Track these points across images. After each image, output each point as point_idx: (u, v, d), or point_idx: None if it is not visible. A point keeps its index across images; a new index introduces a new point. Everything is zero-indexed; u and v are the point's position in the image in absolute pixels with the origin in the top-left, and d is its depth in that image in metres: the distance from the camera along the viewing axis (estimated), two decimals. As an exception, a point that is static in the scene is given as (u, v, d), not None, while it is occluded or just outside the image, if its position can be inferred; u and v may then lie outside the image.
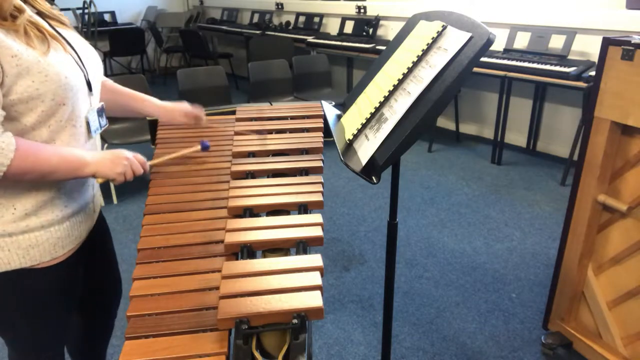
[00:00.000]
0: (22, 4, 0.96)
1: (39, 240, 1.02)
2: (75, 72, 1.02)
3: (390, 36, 4.87)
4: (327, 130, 1.46)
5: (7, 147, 0.88)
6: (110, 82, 1.32)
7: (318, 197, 1.19)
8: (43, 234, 1.03)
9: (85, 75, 1.06)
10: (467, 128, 4.60)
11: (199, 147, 1.35)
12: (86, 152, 1.04)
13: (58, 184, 1.03)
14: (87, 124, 1.08)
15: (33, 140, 0.97)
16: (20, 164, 0.90)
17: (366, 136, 1.17)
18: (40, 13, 1.03)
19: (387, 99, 1.19)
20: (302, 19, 5.67)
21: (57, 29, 1.04)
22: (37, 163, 0.93)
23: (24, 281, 1.05)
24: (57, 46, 0.99)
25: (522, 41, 3.67)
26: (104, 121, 1.17)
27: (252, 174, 1.33)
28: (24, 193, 0.99)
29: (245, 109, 1.67)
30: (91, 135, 1.11)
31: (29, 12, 0.97)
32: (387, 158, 1.06)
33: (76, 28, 6.43)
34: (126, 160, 1.09)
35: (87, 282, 1.31)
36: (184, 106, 1.37)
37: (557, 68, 3.23)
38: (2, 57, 0.87)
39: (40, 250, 1.03)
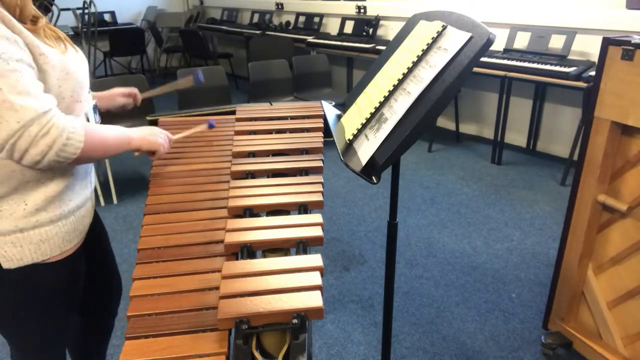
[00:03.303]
0: (38, 12, 1.02)
1: (49, 234, 1.04)
2: (84, 69, 1.08)
3: (390, 36, 4.87)
4: (327, 130, 1.46)
5: (79, 127, 0.94)
6: None
7: (318, 197, 1.19)
8: (52, 228, 1.05)
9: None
10: (467, 128, 4.60)
11: (205, 126, 1.46)
12: (128, 129, 1.13)
13: (64, 178, 1.06)
14: (87, 119, 1.14)
15: None
16: (90, 142, 0.97)
17: (366, 136, 1.18)
18: None
19: (387, 99, 1.19)
20: (302, 19, 5.67)
21: None
22: (101, 141, 1.01)
23: (35, 276, 1.06)
24: (70, 46, 1.05)
25: (522, 41, 3.67)
26: (97, 118, 1.23)
27: (252, 174, 1.33)
28: (34, 188, 1.01)
29: (245, 109, 1.67)
30: None
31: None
32: (387, 158, 1.06)
33: (76, 28, 6.40)
34: (162, 134, 1.20)
35: (87, 280, 1.31)
36: (118, 89, 1.43)
37: (557, 68, 3.23)
38: (34, 55, 0.92)
39: (50, 244, 1.05)
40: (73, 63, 1.01)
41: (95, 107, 1.20)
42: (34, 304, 1.09)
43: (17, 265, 1.03)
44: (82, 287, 1.22)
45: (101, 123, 1.23)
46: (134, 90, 1.45)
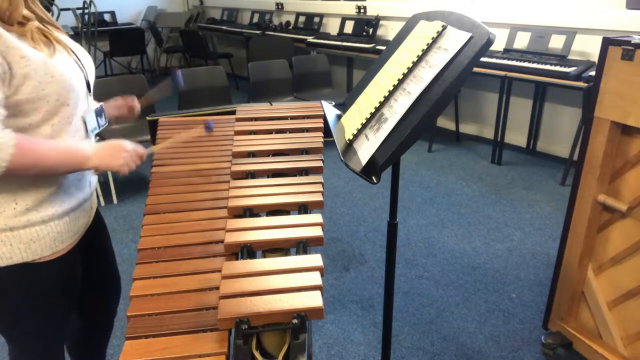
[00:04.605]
0: (30, 13, 1.01)
1: (39, 234, 1.04)
2: (77, 73, 1.06)
3: (390, 36, 4.87)
4: (327, 130, 1.46)
5: (6, 142, 0.90)
6: None
7: (318, 197, 1.19)
8: (44, 228, 1.05)
9: (85, 76, 1.11)
10: (467, 128, 4.60)
11: (202, 130, 1.31)
12: (87, 146, 1.07)
13: (57, 180, 1.06)
14: (84, 123, 1.11)
15: (36, 137, 0.99)
16: (20, 159, 0.92)
17: (366, 136, 1.17)
18: (38, 19, 1.06)
19: (387, 99, 1.19)
20: (302, 19, 5.67)
21: (56, 33, 1.07)
22: (37, 158, 0.96)
23: (25, 275, 1.06)
24: (61, 49, 1.03)
25: (522, 41, 3.67)
26: (102, 121, 1.20)
27: (252, 174, 1.33)
28: (25, 188, 1.01)
29: (245, 109, 1.67)
30: (88, 134, 1.13)
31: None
32: (387, 158, 1.06)
33: (76, 28, 6.39)
34: (126, 152, 1.09)
35: (86, 279, 1.31)
36: (114, 102, 1.35)
37: (557, 68, 3.23)
38: (13, 58, 0.91)
39: (41, 244, 1.05)
40: (61, 66, 0.99)
41: (99, 112, 1.18)
42: (26, 303, 1.09)
43: (6, 264, 1.03)
44: (78, 287, 1.22)
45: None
46: (131, 102, 1.35)
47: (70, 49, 1.08)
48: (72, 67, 1.04)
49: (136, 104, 1.39)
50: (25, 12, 0.99)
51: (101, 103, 1.22)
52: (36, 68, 0.94)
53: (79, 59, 1.10)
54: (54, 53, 1.00)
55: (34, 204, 1.02)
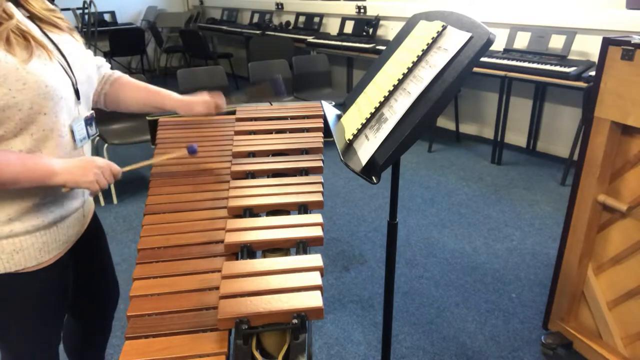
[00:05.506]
0: (12, 10, 0.93)
1: (23, 245, 1.01)
2: (61, 80, 0.99)
3: (390, 36, 4.87)
4: (327, 130, 1.46)
5: None
6: (126, 77, 1.31)
7: (318, 197, 1.19)
8: (28, 238, 1.01)
9: (73, 84, 1.04)
10: (467, 128, 4.60)
11: (185, 152, 1.30)
12: (56, 161, 0.99)
13: (44, 189, 1.01)
14: (72, 133, 1.05)
15: (16, 148, 0.95)
16: None
17: (366, 136, 1.18)
18: (33, 16, 1.01)
19: (387, 99, 1.19)
20: (302, 19, 5.67)
21: (49, 34, 1.01)
22: None
23: (8, 286, 1.04)
24: (41, 53, 0.95)
25: (522, 41, 3.67)
26: (92, 130, 1.14)
27: (252, 174, 1.33)
28: (7, 199, 0.97)
29: (245, 109, 1.67)
30: (77, 144, 1.07)
31: (18, 18, 0.94)
32: (387, 158, 1.06)
33: (76, 28, 6.43)
34: (97, 169, 1.02)
35: (83, 285, 1.30)
36: (202, 97, 1.34)
37: (557, 68, 3.23)
38: None
39: (24, 255, 1.02)
40: (37, 73, 0.92)
41: (89, 120, 1.11)
42: (14, 311, 1.07)
43: None
44: (69, 295, 1.20)
45: (94, 120, 1.15)
46: (218, 100, 1.33)
47: (59, 52, 1.00)
48: (53, 73, 0.96)
49: (222, 101, 1.35)
50: (8, 8, 0.91)
51: (92, 111, 1.15)
52: (6, 75, 0.87)
53: (68, 64, 1.02)
54: (31, 58, 0.91)
55: (17, 214, 0.98)
